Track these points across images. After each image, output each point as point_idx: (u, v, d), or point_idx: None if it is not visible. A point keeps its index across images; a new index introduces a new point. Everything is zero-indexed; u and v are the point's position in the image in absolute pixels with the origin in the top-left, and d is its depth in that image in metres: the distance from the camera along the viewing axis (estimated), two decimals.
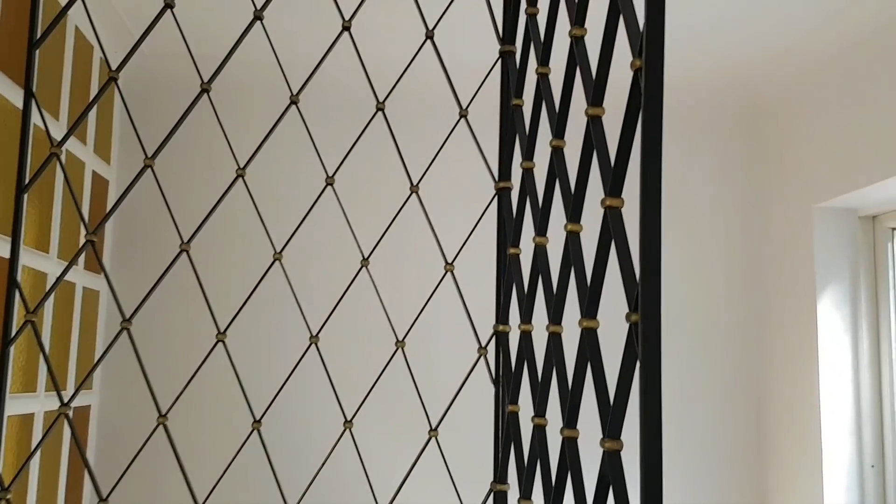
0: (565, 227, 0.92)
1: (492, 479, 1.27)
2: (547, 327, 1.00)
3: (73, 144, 1.65)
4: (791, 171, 1.81)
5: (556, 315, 1.00)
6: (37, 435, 1.57)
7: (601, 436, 0.87)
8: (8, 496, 1.23)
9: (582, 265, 0.89)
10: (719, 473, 1.83)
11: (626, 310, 0.78)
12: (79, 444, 1.27)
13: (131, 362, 1.81)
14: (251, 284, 1.37)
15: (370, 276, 1.37)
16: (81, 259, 1.77)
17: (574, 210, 0.91)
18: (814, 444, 1.64)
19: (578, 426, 0.94)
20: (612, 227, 0.76)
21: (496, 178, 1.30)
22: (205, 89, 1.28)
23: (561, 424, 1.08)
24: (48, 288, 1.58)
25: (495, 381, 1.30)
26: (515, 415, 1.19)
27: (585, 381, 0.90)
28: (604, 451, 0.77)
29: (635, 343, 0.70)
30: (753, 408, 1.89)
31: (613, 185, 0.77)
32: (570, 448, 0.90)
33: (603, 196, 0.93)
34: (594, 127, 0.82)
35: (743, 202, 1.97)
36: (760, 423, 1.87)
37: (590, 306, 0.85)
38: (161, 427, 1.31)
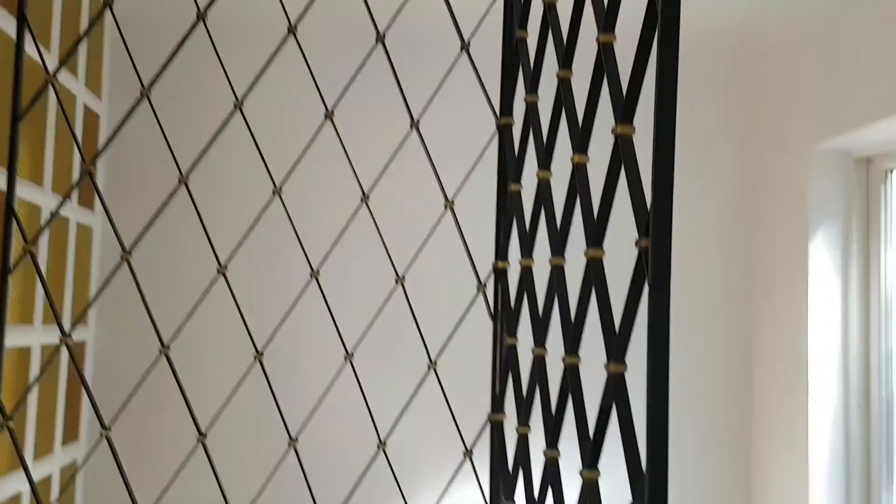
0: (572, 158, 0.92)
1: (489, 410, 1.30)
2: (550, 260, 1.01)
3: (64, 77, 1.62)
4: (786, 113, 1.81)
5: (558, 247, 1.01)
6: (34, 368, 1.57)
7: (600, 370, 0.89)
8: (10, 423, 1.24)
9: (588, 196, 0.89)
10: (706, 409, 1.88)
11: (625, 246, 0.78)
12: (79, 372, 1.28)
13: (126, 298, 1.81)
14: (249, 219, 1.37)
15: (370, 212, 1.37)
16: (75, 195, 1.75)
17: (581, 141, 0.91)
18: (801, 382, 1.68)
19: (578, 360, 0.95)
20: (623, 154, 0.76)
21: (498, 115, 1.29)
22: (201, 17, 1.25)
23: (559, 359, 1.09)
24: (42, 221, 1.57)
25: (493, 317, 1.31)
26: (514, 347, 1.21)
27: (589, 311, 0.92)
28: (608, 375, 0.79)
29: (645, 268, 0.71)
30: (743, 346, 1.93)
31: (625, 112, 0.76)
32: (571, 375, 0.92)
33: (607, 129, 0.93)
34: (606, 55, 0.81)
35: (737, 144, 1.98)
36: (749, 361, 1.91)
37: (596, 236, 0.85)
38: (156, 362, 1.32)
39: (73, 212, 1.76)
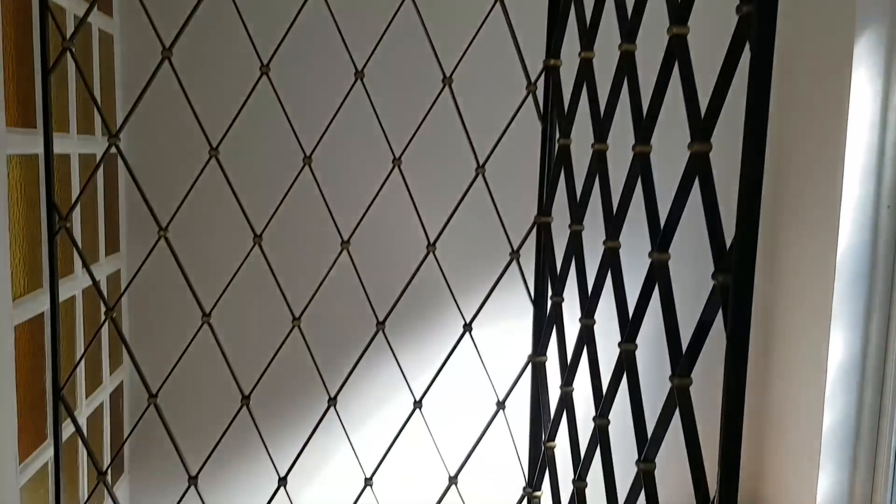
0: None
1: (535, 213, 1.31)
2: (620, 46, 0.98)
3: None
4: None
5: (630, 34, 0.97)
6: (74, 177, 1.57)
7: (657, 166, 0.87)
8: (67, 224, 1.26)
9: None
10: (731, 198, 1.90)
11: (704, 31, 0.74)
12: (132, 174, 1.28)
13: (156, 109, 1.77)
14: (290, 16, 1.31)
15: (415, 6, 1.30)
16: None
17: None
18: (833, 182, 1.69)
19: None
20: None
21: None
22: None
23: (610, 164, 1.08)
24: (67, 24, 1.51)
25: (543, 118, 1.29)
26: (566, 148, 1.20)
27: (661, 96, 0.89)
28: (692, 155, 0.78)
29: (746, 35, 0.68)
30: (776, 142, 1.91)
31: None
32: (642, 163, 0.91)
33: None
34: None
35: None
36: (781, 159, 1.90)
37: (681, 12, 0.81)
38: (206, 165, 1.31)
39: (95, 16, 1.69)
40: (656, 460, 0.89)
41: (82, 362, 1.60)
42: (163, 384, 1.32)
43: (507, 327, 1.87)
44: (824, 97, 1.77)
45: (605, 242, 1.03)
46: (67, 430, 1.48)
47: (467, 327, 1.35)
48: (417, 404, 1.37)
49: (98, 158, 1.66)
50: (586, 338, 1.11)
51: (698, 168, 0.77)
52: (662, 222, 0.86)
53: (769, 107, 0.67)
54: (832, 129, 1.72)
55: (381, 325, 1.35)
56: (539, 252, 1.32)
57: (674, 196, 0.82)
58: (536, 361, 1.31)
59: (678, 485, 1.37)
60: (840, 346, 1.70)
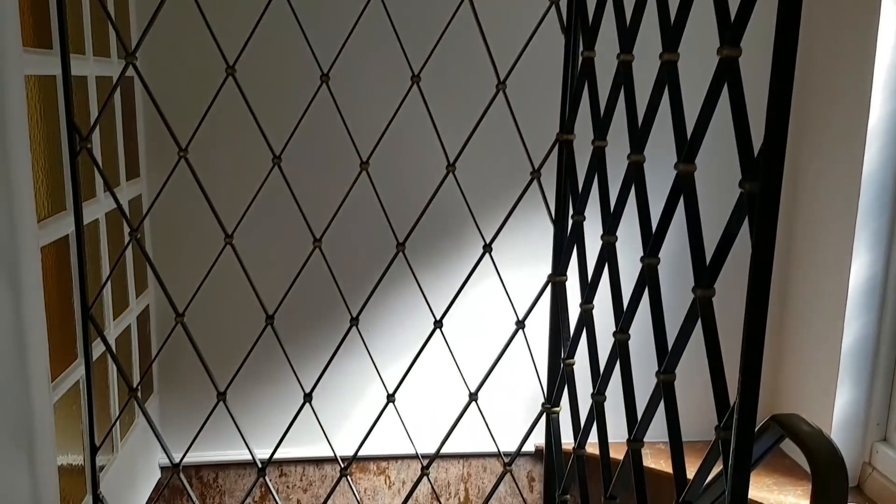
0: None
1: (557, 132, 1.29)
2: None
3: None
4: None
5: None
6: (92, 99, 1.57)
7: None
8: (88, 145, 1.26)
9: None
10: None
11: None
12: (148, 90, 1.27)
13: (171, 29, 1.75)
14: None
15: None
16: None
17: None
18: (860, 101, 1.65)
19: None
20: None
21: None
22: None
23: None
24: None
25: (566, 30, 1.26)
26: (591, 61, 1.17)
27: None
28: (721, 60, 0.76)
29: None
30: (802, 59, 1.87)
31: None
32: (669, 72, 0.89)
33: None
34: None
35: None
36: (808, 76, 1.86)
37: None
38: (223, 84, 1.30)
39: None
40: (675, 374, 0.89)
41: (109, 284, 1.63)
42: (189, 303, 1.34)
43: (527, 247, 1.87)
44: (853, 14, 1.71)
45: (629, 156, 1.01)
46: (97, 351, 1.51)
47: (487, 248, 1.35)
48: (438, 324, 1.38)
49: (115, 80, 1.65)
50: (608, 255, 1.11)
51: (727, 73, 0.75)
52: (689, 134, 0.84)
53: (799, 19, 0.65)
54: (860, 46, 1.66)
55: (401, 246, 1.36)
56: (560, 170, 1.31)
57: (702, 103, 0.81)
58: (556, 281, 1.31)
59: (693, 402, 1.39)
60: (862, 265, 1.69)
